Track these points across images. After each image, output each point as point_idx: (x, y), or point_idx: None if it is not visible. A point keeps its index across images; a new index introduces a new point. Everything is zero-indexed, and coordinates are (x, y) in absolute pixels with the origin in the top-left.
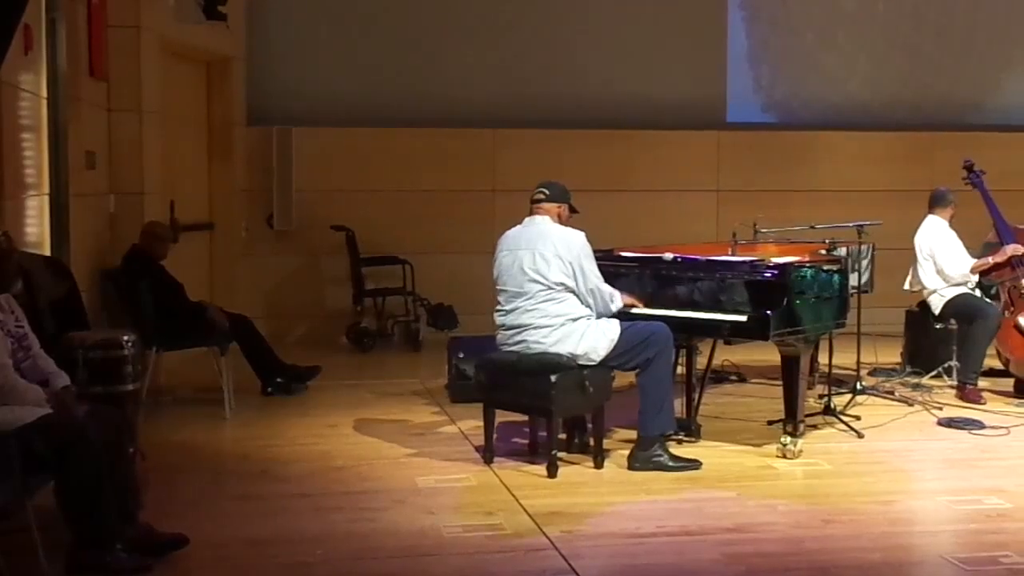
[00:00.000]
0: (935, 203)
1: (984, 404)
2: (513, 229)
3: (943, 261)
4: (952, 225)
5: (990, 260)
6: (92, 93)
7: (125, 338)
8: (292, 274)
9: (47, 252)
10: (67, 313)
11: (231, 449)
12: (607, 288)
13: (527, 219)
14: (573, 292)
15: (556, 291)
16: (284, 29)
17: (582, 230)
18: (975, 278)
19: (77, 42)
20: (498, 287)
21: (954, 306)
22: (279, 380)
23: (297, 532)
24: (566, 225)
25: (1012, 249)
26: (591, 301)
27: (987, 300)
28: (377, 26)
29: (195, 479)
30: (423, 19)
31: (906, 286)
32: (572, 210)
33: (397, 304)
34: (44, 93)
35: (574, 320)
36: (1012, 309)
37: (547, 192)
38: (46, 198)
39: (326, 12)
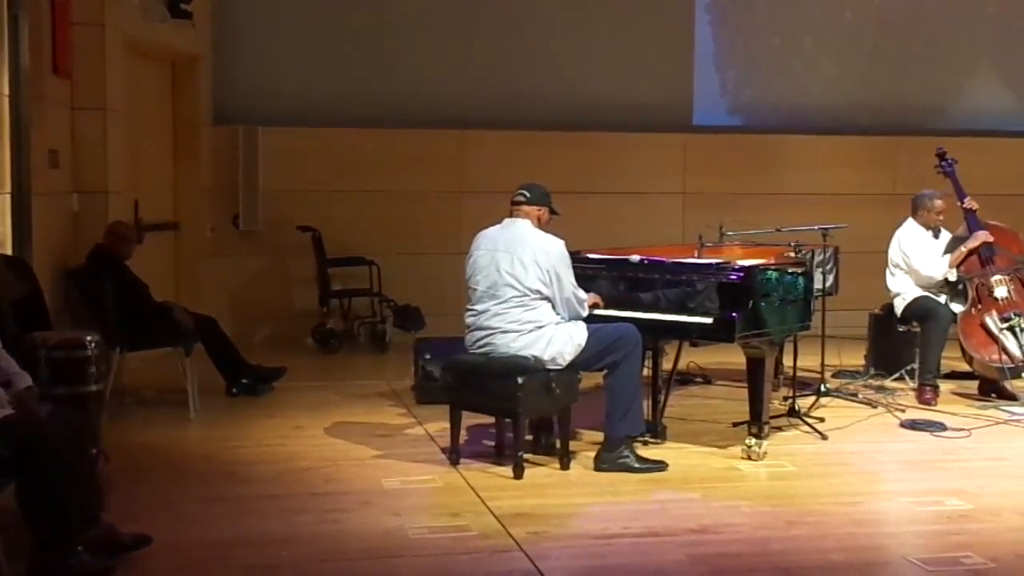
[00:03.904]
0: (913, 208)
1: (935, 406)
2: (492, 229)
3: (922, 266)
4: (934, 223)
5: (963, 249)
6: (55, 91)
7: (88, 338)
8: (258, 275)
9: (9, 251)
10: (29, 313)
11: (196, 450)
12: (581, 295)
13: (507, 220)
14: (548, 299)
15: (530, 297)
16: (250, 28)
17: (550, 231)
18: (954, 273)
19: (40, 39)
20: (470, 285)
21: (912, 308)
22: (244, 381)
23: (262, 534)
24: (546, 229)
25: (983, 235)
26: (564, 309)
27: (939, 301)
28: (344, 26)
29: (159, 481)
30: (390, 19)
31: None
32: (552, 212)
33: (363, 305)
34: (6, 91)
35: (541, 327)
36: (980, 307)
37: (527, 195)
38: (8, 197)
39: (293, 11)
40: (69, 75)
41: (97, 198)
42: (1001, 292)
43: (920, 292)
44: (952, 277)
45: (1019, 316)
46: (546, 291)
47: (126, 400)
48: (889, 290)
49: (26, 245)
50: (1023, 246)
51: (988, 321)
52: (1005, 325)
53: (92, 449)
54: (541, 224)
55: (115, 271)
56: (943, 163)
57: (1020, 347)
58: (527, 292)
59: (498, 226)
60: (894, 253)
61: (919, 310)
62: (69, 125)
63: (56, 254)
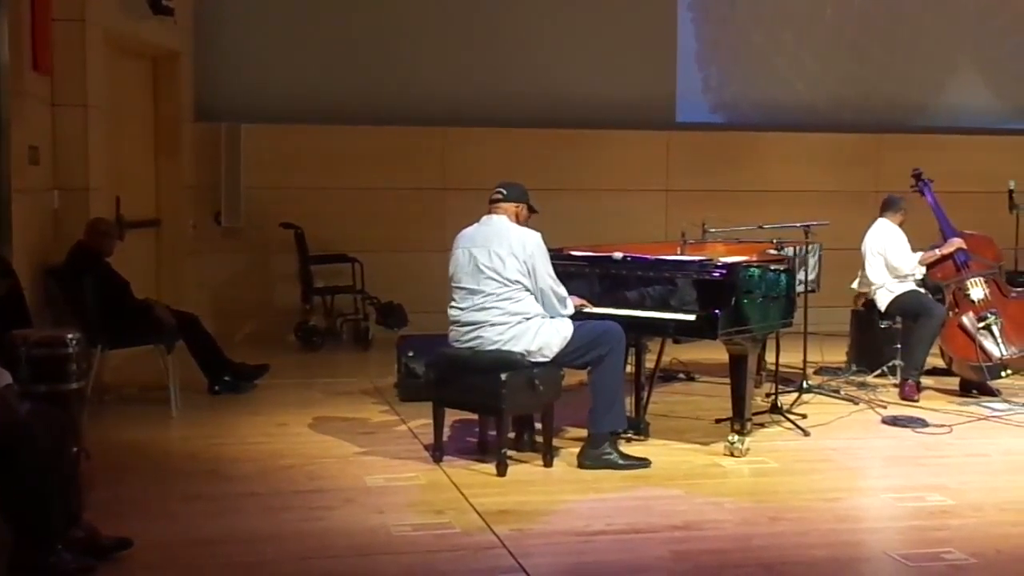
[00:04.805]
0: (887, 208)
1: (918, 401)
2: (470, 227)
3: (894, 257)
4: (902, 230)
5: (937, 252)
6: (36, 87)
7: (69, 336)
8: (240, 272)
9: None
10: (9, 311)
11: (178, 448)
12: (561, 291)
13: (484, 217)
14: (530, 291)
15: (513, 289)
16: (232, 24)
17: (533, 228)
18: (922, 271)
19: (20, 35)
20: (453, 284)
21: (901, 303)
22: (227, 379)
23: (246, 532)
24: (524, 225)
25: (958, 241)
26: (541, 302)
27: (933, 298)
28: (327, 23)
29: (141, 479)
30: (374, 16)
31: (854, 284)
32: (531, 210)
33: (346, 302)
34: None
35: (528, 319)
36: (957, 310)
37: (505, 192)
38: None
39: (275, 8)
40: (49, 71)
41: (78, 195)
42: (977, 294)
43: (909, 286)
44: (919, 274)
45: (995, 315)
46: (527, 282)
47: (107, 398)
48: (871, 282)
49: (6, 242)
50: (997, 252)
51: (965, 321)
52: (982, 325)
53: (73, 447)
54: (520, 221)
55: (96, 268)
56: (920, 183)
57: (998, 345)
58: (508, 283)
59: (476, 224)
60: (874, 243)
61: (912, 305)
62: (49, 122)
63: (36, 251)
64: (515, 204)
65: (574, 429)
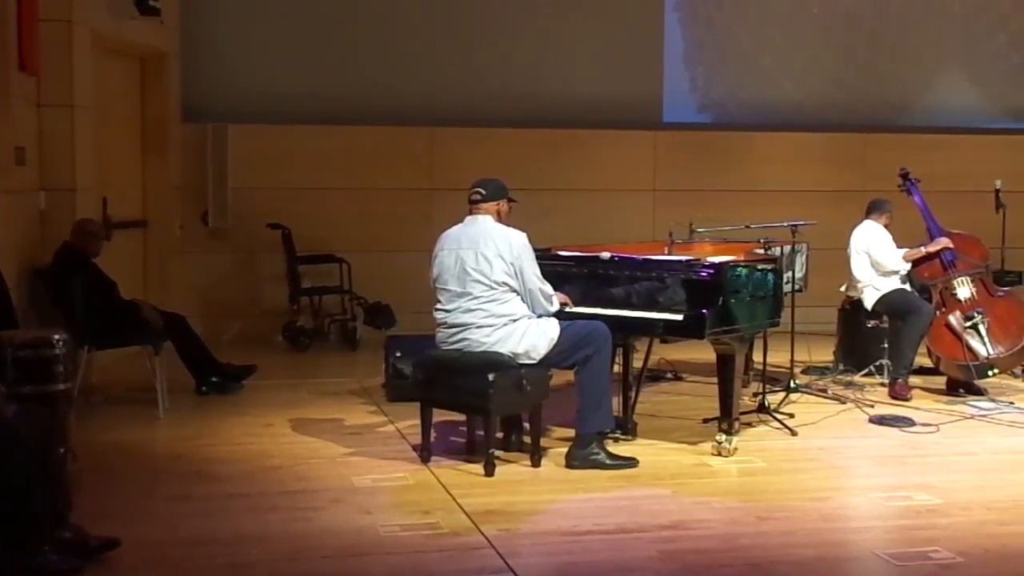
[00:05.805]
0: (872, 210)
1: (910, 400)
2: (454, 228)
3: (878, 253)
4: (887, 231)
5: (923, 249)
6: (22, 88)
7: (56, 337)
8: (227, 272)
9: None
10: None
11: (165, 449)
12: (548, 290)
13: (468, 218)
14: (516, 292)
15: (499, 291)
16: (219, 25)
17: (520, 228)
18: (907, 267)
19: (7, 36)
20: (438, 286)
21: (888, 301)
22: (214, 379)
23: (233, 532)
24: (507, 220)
25: (945, 241)
26: (529, 302)
27: (921, 297)
28: (314, 22)
29: (128, 479)
30: (361, 17)
31: (843, 288)
32: (511, 201)
33: (334, 303)
34: None
35: (515, 320)
36: (944, 310)
37: (483, 192)
38: None
39: (262, 8)
40: (36, 72)
41: (64, 195)
42: (964, 293)
43: (895, 285)
44: (904, 271)
45: (981, 314)
46: (513, 283)
47: (94, 399)
48: (858, 280)
49: None
50: (984, 251)
51: (952, 320)
52: (968, 324)
53: (60, 448)
54: (502, 217)
55: (83, 269)
56: (907, 183)
57: (984, 344)
58: (495, 286)
59: (460, 224)
60: (858, 242)
61: (899, 304)
62: (36, 122)
63: (23, 252)
64: (496, 202)
65: (562, 429)
